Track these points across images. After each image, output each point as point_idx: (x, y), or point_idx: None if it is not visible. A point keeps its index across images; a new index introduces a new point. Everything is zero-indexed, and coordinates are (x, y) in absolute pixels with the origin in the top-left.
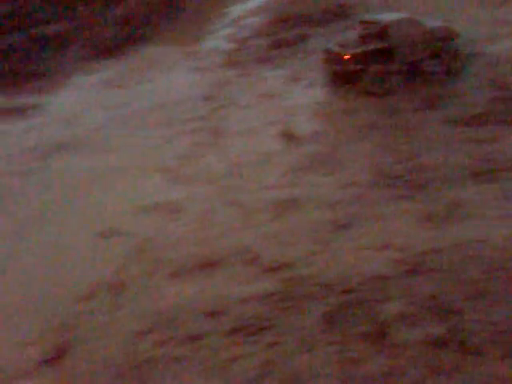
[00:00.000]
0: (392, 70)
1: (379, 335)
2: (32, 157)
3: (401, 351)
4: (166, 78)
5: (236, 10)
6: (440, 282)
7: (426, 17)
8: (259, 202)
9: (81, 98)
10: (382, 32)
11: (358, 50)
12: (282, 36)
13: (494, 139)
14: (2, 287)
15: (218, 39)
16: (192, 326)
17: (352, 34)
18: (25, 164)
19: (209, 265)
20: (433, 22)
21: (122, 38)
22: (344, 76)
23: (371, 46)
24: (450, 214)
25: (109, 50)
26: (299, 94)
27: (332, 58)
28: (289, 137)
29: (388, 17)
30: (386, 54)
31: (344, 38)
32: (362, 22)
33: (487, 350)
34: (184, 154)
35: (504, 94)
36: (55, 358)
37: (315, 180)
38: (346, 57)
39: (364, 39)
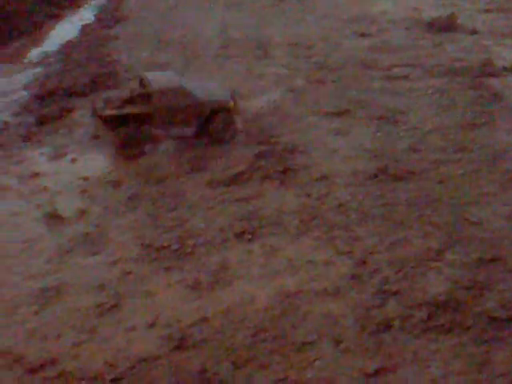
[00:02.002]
0: (150, 134)
1: None
2: None
3: None
4: None
5: None
6: (208, 354)
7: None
8: (23, 294)
9: None
10: (148, 96)
11: (113, 112)
12: (46, 111)
13: (257, 196)
14: None
15: None
16: None
17: (121, 92)
18: None
19: None
20: (209, 93)
21: None
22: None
23: (127, 110)
24: (217, 280)
25: None
26: (64, 170)
27: (95, 114)
28: (53, 218)
29: (161, 81)
30: (146, 118)
31: (114, 94)
32: (137, 78)
33: None
34: None
35: (267, 149)
36: None
37: (81, 262)
38: (103, 116)
39: (130, 99)
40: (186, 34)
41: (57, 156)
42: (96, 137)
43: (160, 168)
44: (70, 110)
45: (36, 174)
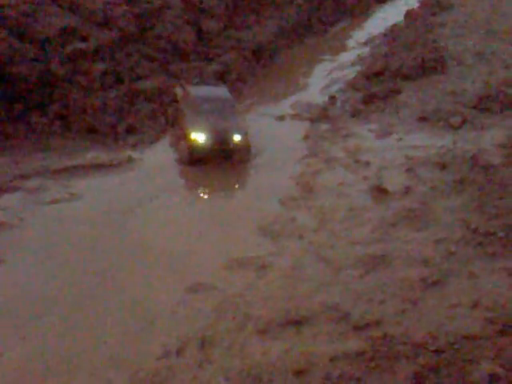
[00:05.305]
0: None
1: None
2: (126, 208)
3: None
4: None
5: (328, 64)
6: None
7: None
8: (349, 257)
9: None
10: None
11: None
12: (373, 90)
13: None
14: (86, 340)
15: (310, 93)
16: None
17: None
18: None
19: (297, 322)
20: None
21: None
22: None
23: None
24: None
25: None
26: (389, 148)
27: None
28: (379, 192)
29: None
30: None
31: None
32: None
33: None
34: (273, 209)
35: None
36: None
37: (406, 235)
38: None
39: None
40: None
41: (383, 134)
42: (422, 119)
43: (487, 155)
44: (396, 91)
45: (362, 149)
